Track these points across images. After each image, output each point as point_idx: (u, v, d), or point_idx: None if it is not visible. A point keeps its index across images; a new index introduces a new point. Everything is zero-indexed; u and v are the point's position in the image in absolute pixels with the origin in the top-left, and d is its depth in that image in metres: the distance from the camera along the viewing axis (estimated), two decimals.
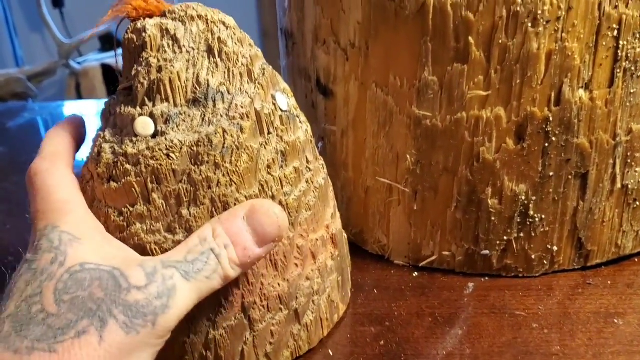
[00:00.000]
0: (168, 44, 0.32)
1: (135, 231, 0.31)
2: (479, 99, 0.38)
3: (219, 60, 0.32)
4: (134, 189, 0.30)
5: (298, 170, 0.34)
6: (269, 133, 0.33)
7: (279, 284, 0.33)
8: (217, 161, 0.30)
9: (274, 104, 0.33)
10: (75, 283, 0.27)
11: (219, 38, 0.32)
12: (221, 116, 0.31)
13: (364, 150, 0.43)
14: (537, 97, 0.37)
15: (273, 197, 0.33)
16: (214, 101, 0.31)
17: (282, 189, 0.33)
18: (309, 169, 0.35)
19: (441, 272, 0.44)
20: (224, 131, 0.30)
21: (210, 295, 0.30)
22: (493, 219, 0.41)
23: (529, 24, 0.36)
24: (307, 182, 0.35)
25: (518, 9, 0.35)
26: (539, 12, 0.35)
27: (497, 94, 0.38)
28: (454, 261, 0.43)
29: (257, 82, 0.33)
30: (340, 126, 0.44)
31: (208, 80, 0.31)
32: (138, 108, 0.31)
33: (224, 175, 0.31)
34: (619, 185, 0.40)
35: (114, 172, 0.31)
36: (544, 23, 0.35)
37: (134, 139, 0.31)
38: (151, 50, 0.31)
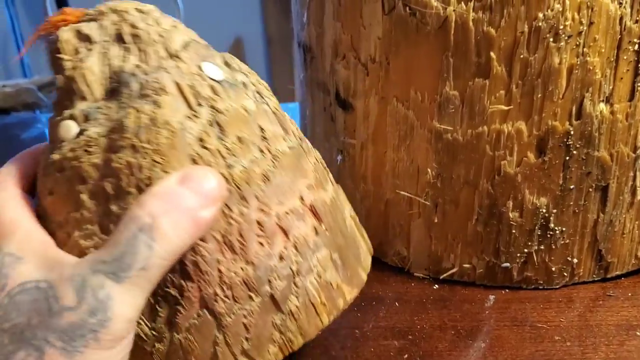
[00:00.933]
0: (82, 45, 0.31)
1: (75, 240, 0.29)
2: (500, 113, 0.38)
3: (131, 45, 0.31)
4: (66, 196, 0.29)
5: (244, 140, 0.31)
6: (198, 104, 0.30)
7: (241, 269, 0.29)
8: (134, 143, 0.28)
9: (199, 75, 0.31)
10: (15, 308, 0.25)
11: (131, 24, 0.31)
12: (135, 98, 0.29)
13: (383, 163, 0.44)
14: (558, 111, 0.38)
15: None
16: (129, 85, 0.29)
17: (225, 160, 0.30)
18: (264, 137, 0.32)
19: (461, 284, 0.44)
20: (137, 110, 0.29)
21: (161, 294, 0.27)
22: (514, 231, 0.41)
23: (551, 39, 0.36)
24: (260, 151, 0.32)
25: (540, 24, 0.36)
26: (561, 27, 0.35)
27: (518, 108, 0.38)
28: (475, 273, 0.43)
29: (176, 56, 0.31)
30: (359, 139, 0.45)
31: (122, 67, 0.30)
32: (62, 114, 0.30)
33: (143, 157, 0.28)
34: (639, 197, 0.41)
35: (49, 184, 0.30)
36: (566, 38, 0.36)
37: (60, 145, 0.29)
38: (65, 54, 0.31)
